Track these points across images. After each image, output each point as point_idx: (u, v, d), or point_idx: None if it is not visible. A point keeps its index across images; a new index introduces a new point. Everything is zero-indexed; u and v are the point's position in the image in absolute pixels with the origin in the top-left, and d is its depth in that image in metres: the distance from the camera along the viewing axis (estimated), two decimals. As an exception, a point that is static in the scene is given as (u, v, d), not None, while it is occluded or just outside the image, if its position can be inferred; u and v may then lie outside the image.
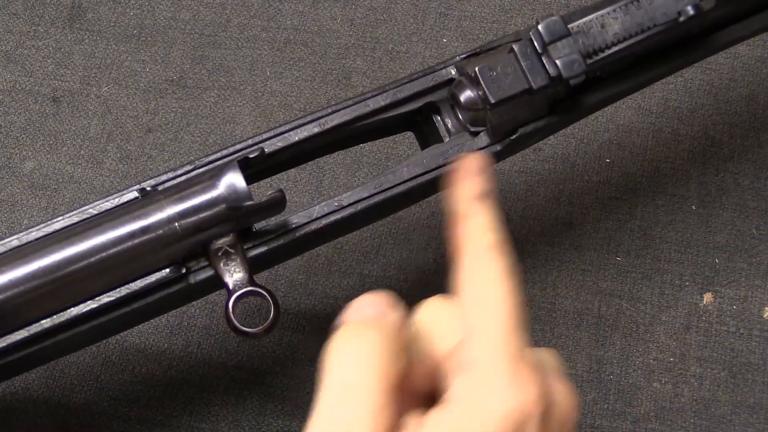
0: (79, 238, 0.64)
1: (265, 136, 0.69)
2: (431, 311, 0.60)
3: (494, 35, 0.92)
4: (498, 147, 0.70)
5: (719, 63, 0.90)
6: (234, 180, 0.65)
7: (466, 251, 0.59)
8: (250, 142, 0.69)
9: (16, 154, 0.89)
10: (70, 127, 0.90)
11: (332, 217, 0.69)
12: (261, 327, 0.64)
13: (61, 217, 0.66)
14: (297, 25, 0.93)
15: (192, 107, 0.90)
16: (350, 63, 0.92)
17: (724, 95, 0.89)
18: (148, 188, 0.67)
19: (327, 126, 0.70)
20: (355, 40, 0.92)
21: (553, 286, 0.83)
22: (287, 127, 0.70)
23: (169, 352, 0.82)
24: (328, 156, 0.77)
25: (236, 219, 0.65)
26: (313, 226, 0.69)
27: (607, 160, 0.87)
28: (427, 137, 0.73)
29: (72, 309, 0.65)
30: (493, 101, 0.67)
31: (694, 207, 0.85)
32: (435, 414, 0.54)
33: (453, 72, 0.71)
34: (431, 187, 0.71)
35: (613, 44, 0.68)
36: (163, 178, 0.68)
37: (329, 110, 0.70)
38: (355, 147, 0.84)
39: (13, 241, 0.65)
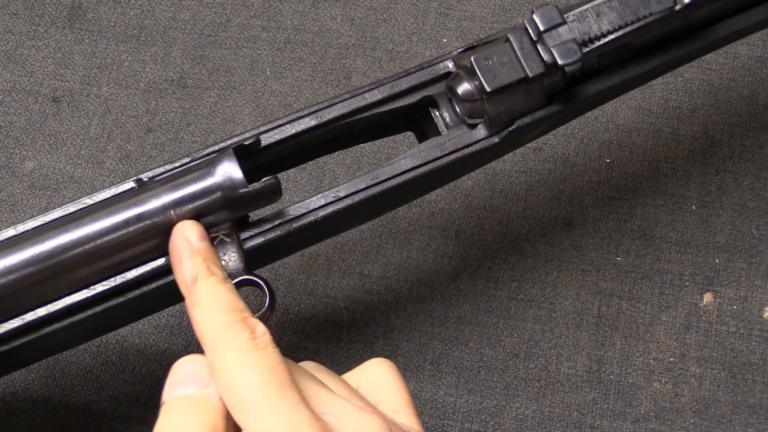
0: (74, 226, 0.64)
1: (262, 129, 0.69)
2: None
3: (494, 35, 0.92)
4: (496, 139, 0.70)
5: (719, 63, 0.90)
6: (229, 167, 0.65)
7: (205, 339, 0.60)
8: (247, 135, 0.69)
9: (16, 154, 0.89)
10: (70, 127, 0.90)
11: (330, 209, 0.69)
12: (257, 315, 0.64)
13: (59, 208, 0.66)
14: (297, 25, 0.93)
15: (192, 107, 0.91)
16: (350, 63, 0.92)
17: (724, 95, 0.89)
18: (145, 179, 0.67)
19: (324, 119, 0.70)
20: (355, 40, 0.93)
21: (553, 286, 0.83)
22: (284, 120, 0.70)
23: (169, 352, 0.82)
24: (328, 156, 0.77)
25: (232, 206, 0.65)
26: (311, 218, 0.68)
27: (607, 160, 0.87)
28: (426, 134, 0.72)
29: (67, 298, 0.65)
30: (489, 90, 0.67)
31: (694, 207, 0.85)
32: None
33: (450, 65, 0.71)
34: (428, 180, 0.71)
35: (609, 32, 0.68)
36: (161, 170, 0.68)
37: (326, 103, 0.70)
38: (355, 147, 0.84)
39: (9, 231, 0.65)
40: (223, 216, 0.65)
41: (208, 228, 0.65)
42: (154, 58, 0.92)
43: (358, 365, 0.64)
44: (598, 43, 0.68)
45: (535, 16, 0.67)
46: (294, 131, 0.70)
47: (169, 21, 0.94)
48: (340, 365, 0.81)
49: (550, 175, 0.87)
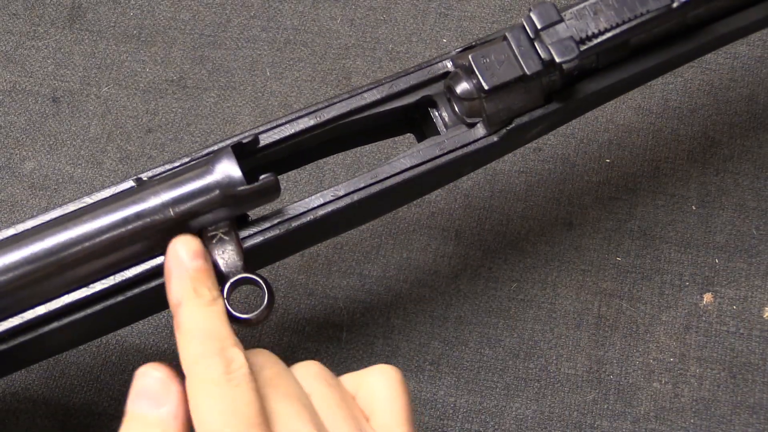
0: (73, 224, 0.64)
1: (261, 129, 0.69)
2: None
3: (494, 35, 0.92)
4: (494, 138, 0.70)
5: (719, 63, 0.90)
6: (228, 165, 0.65)
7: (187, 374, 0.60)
8: (246, 134, 0.69)
9: (16, 155, 0.89)
10: (70, 127, 0.90)
11: (329, 208, 0.69)
12: (255, 313, 0.65)
13: (59, 207, 0.66)
14: (297, 26, 0.93)
15: (192, 107, 0.91)
16: (350, 63, 0.92)
17: (724, 95, 0.89)
18: (145, 179, 0.67)
19: (323, 119, 0.70)
20: (355, 40, 0.92)
21: (553, 286, 0.83)
22: (283, 120, 0.70)
23: (169, 352, 0.82)
24: (327, 157, 0.77)
25: (231, 204, 0.65)
26: (310, 217, 0.68)
27: (607, 160, 0.87)
28: (426, 136, 0.72)
29: (66, 296, 0.65)
30: (487, 88, 0.67)
31: (694, 207, 0.85)
32: None
33: (449, 65, 0.71)
34: (428, 179, 0.71)
35: (607, 30, 0.68)
36: (160, 170, 0.68)
37: (325, 103, 0.70)
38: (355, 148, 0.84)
39: (10, 231, 0.65)
40: (222, 214, 0.65)
41: (207, 226, 0.66)
42: (153, 58, 0.92)
43: (357, 366, 0.64)
44: (595, 41, 0.68)
45: (532, 14, 0.67)
46: (293, 131, 0.70)
47: (169, 21, 0.94)
48: (339, 365, 0.81)
49: (550, 175, 0.87)
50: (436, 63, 0.71)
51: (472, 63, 0.68)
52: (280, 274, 0.84)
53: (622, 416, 0.79)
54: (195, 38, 0.93)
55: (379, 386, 0.62)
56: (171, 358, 0.82)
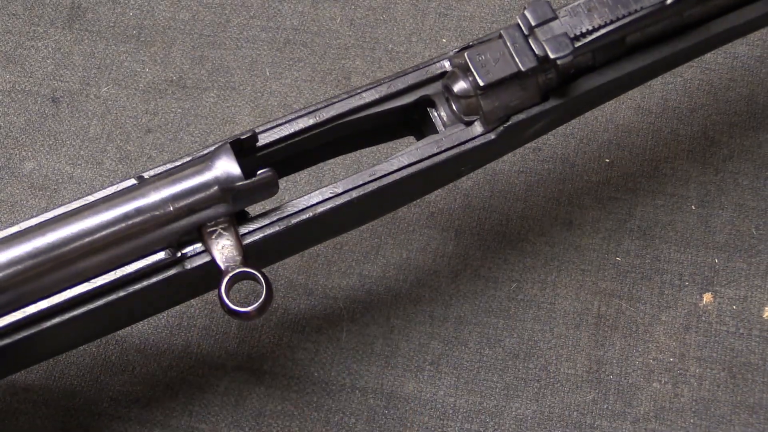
0: (74, 219, 0.65)
1: (260, 128, 0.70)
2: None
3: (494, 35, 0.92)
4: (492, 135, 0.70)
5: (718, 63, 0.90)
6: (226, 161, 0.66)
7: None
8: (245, 133, 0.69)
9: (16, 155, 0.89)
10: (70, 127, 0.90)
11: (328, 205, 0.69)
12: (253, 306, 0.65)
13: (60, 207, 0.67)
14: (297, 25, 0.93)
15: (192, 107, 0.91)
16: (350, 63, 0.92)
17: (723, 95, 0.89)
18: (146, 177, 0.68)
19: (322, 118, 0.70)
20: (354, 40, 0.93)
21: (553, 286, 0.83)
22: (282, 119, 0.70)
23: (169, 352, 0.82)
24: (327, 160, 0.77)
25: (229, 200, 0.66)
26: (309, 214, 0.69)
27: (607, 160, 0.87)
28: (425, 135, 0.73)
29: (67, 291, 0.65)
30: (482, 84, 0.68)
31: (693, 207, 0.85)
32: None
33: (447, 65, 0.72)
34: (426, 178, 0.71)
35: (601, 27, 0.69)
36: (161, 169, 0.69)
37: (324, 103, 0.71)
38: (355, 149, 0.84)
39: (11, 228, 0.66)
40: (222, 209, 0.66)
41: (207, 221, 0.66)
42: (153, 58, 0.92)
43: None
44: (590, 38, 0.69)
45: (526, 12, 0.68)
46: (292, 130, 0.70)
47: (169, 21, 0.94)
48: (339, 366, 0.81)
49: (549, 175, 0.87)
50: (434, 63, 0.72)
51: (468, 60, 0.68)
52: (280, 274, 0.84)
53: (622, 416, 0.79)
54: (194, 38, 0.93)
55: None
56: (171, 358, 0.82)
